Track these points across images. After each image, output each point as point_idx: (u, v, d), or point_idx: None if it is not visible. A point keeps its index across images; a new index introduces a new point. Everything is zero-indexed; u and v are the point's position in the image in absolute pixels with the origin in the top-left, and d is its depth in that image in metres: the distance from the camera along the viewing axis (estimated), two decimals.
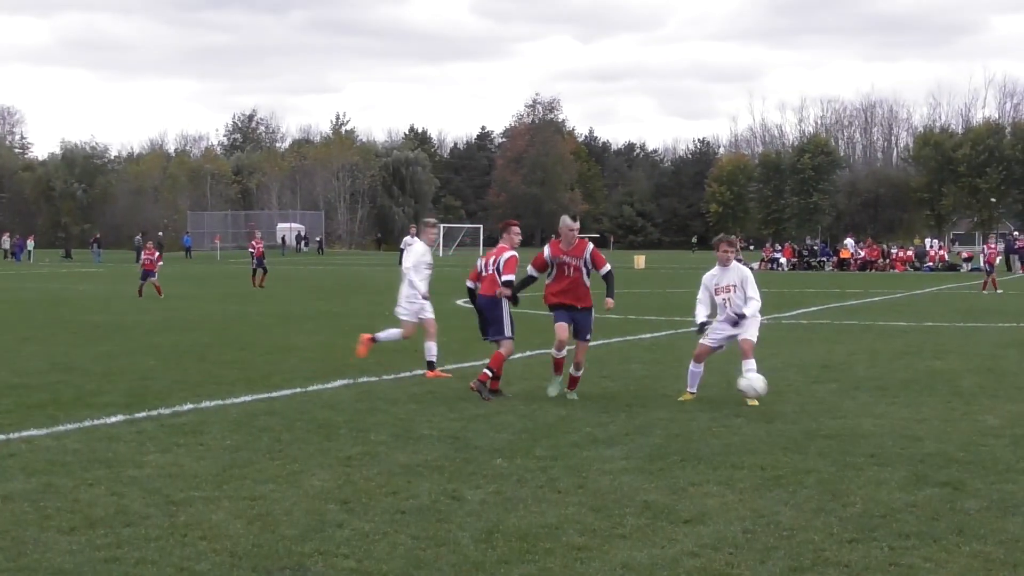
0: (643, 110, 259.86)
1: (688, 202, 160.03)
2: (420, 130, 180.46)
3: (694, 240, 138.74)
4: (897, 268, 73.43)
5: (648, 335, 23.68)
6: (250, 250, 50.99)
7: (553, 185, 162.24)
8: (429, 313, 17.50)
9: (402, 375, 17.10)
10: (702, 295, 14.84)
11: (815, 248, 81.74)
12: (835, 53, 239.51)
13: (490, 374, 14.69)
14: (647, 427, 12.56)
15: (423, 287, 17.47)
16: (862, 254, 76.37)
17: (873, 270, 72.67)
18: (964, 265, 73.58)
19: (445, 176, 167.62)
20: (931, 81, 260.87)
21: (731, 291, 14.60)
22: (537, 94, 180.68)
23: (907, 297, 41.72)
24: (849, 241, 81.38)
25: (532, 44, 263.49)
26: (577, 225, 14.81)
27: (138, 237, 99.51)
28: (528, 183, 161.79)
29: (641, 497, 9.15)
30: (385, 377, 16.78)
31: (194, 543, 7.82)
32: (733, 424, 12.69)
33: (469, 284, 15.72)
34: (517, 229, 15.75)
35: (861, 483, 9.72)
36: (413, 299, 17.48)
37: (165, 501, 9.00)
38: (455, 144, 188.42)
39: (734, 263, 14.78)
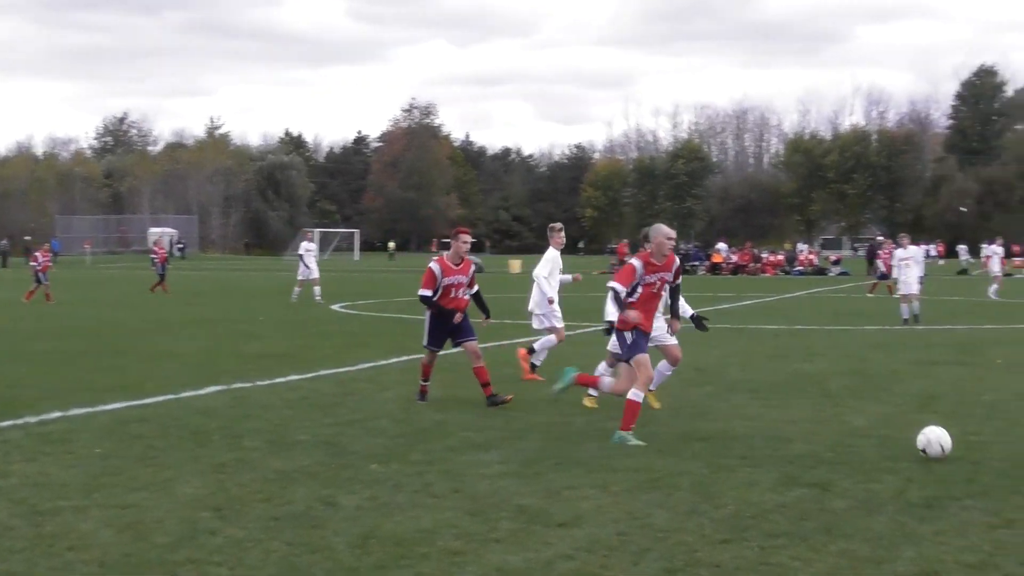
0: (519, 115, 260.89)
1: (564, 207, 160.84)
2: (296, 134, 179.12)
3: (580, 245, 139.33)
4: (768, 272, 74.60)
5: (525, 339, 23.73)
6: (152, 256, 50.17)
7: (429, 190, 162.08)
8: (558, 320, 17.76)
9: (277, 380, 16.94)
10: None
11: (688, 252, 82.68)
12: (709, 60, 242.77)
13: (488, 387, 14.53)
14: (524, 431, 12.60)
15: (552, 292, 17.74)
16: (734, 258, 77.50)
17: (745, 274, 73.73)
18: (832, 269, 75.04)
19: (321, 180, 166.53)
20: (802, 89, 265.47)
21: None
22: (414, 99, 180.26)
23: (778, 301, 42.41)
24: (722, 245, 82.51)
25: (409, 48, 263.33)
26: (674, 234, 12.93)
27: (4, 241, 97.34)
28: (405, 188, 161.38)
29: (517, 501, 9.18)
30: (260, 383, 16.62)
31: (61, 553, 7.67)
32: (609, 428, 12.77)
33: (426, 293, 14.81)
34: (466, 237, 15.19)
35: (733, 484, 9.86)
36: (543, 304, 17.75)
37: (31, 511, 8.81)
38: (331, 148, 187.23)
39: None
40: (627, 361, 12.38)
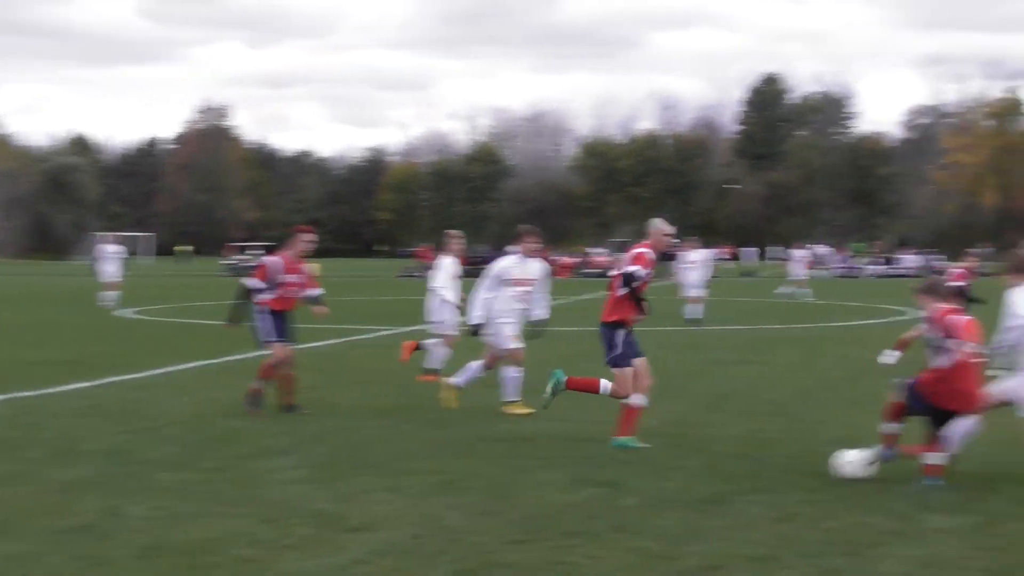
0: (314, 117, 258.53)
1: (360, 210, 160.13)
2: (84, 135, 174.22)
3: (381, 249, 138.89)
4: (562, 275, 75.51)
5: (320, 343, 23.56)
6: None
7: (223, 192, 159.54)
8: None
9: (64, 388, 16.44)
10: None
11: (485, 256, 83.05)
12: (504, 63, 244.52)
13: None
14: (318, 436, 12.50)
15: (454, 299, 17.86)
16: None
17: None
18: None
19: (111, 183, 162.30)
20: (596, 93, 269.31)
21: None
22: (207, 100, 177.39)
23: (573, 303, 42.90)
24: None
25: (203, 49, 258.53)
26: (672, 230, 13.01)
27: None
28: (198, 190, 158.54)
29: (311, 506, 9.10)
30: (47, 391, 16.10)
31: None
32: (404, 431, 12.78)
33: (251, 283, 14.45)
34: (309, 236, 14.92)
35: (527, 485, 9.95)
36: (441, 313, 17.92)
37: None
38: (123, 150, 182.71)
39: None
40: (617, 366, 12.16)
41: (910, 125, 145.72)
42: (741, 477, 10.30)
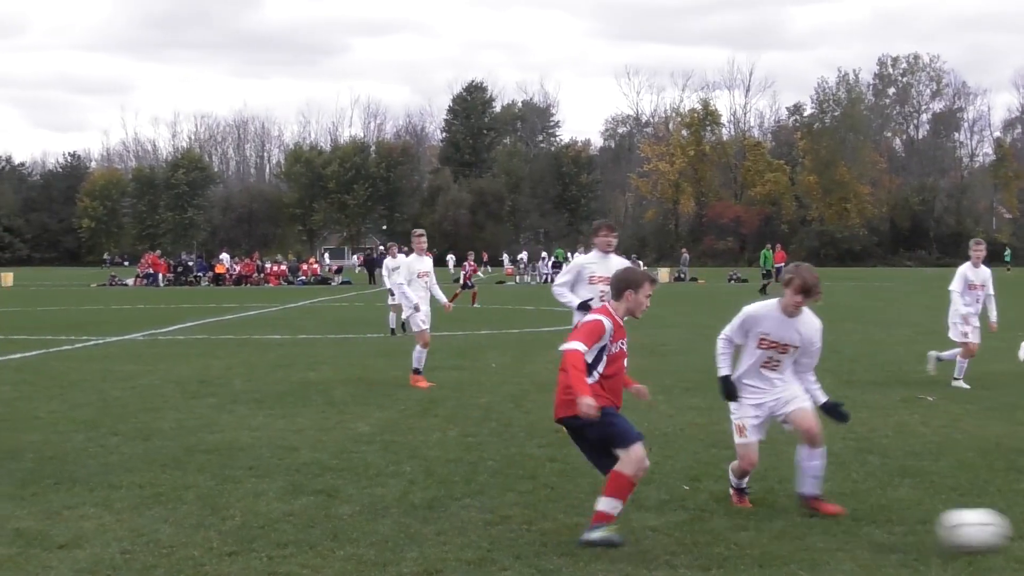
0: (8, 121, 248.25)
1: (59, 217, 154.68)
2: None
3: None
4: (272, 282, 74.75)
5: (17, 355, 22.65)
6: None
7: None
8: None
9: None
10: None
11: (190, 263, 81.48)
12: (207, 68, 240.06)
13: None
14: (18, 451, 12.01)
15: (415, 298, 18.18)
16: (237, 269, 77.15)
17: (248, 284, 73.50)
18: (336, 278, 76.20)
19: None
20: (301, 100, 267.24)
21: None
22: None
23: (282, 311, 42.52)
24: (224, 256, 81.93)
25: None
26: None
27: None
28: None
29: (12, 525, 8.74)
30: None
31: None
32: (110, 443, 12.41)
33: None
34: None
35: (240, 496, 9.81)
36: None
37: None
38: None
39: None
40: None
41: (610, 134, 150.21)
42: (455, 482, 10.41)
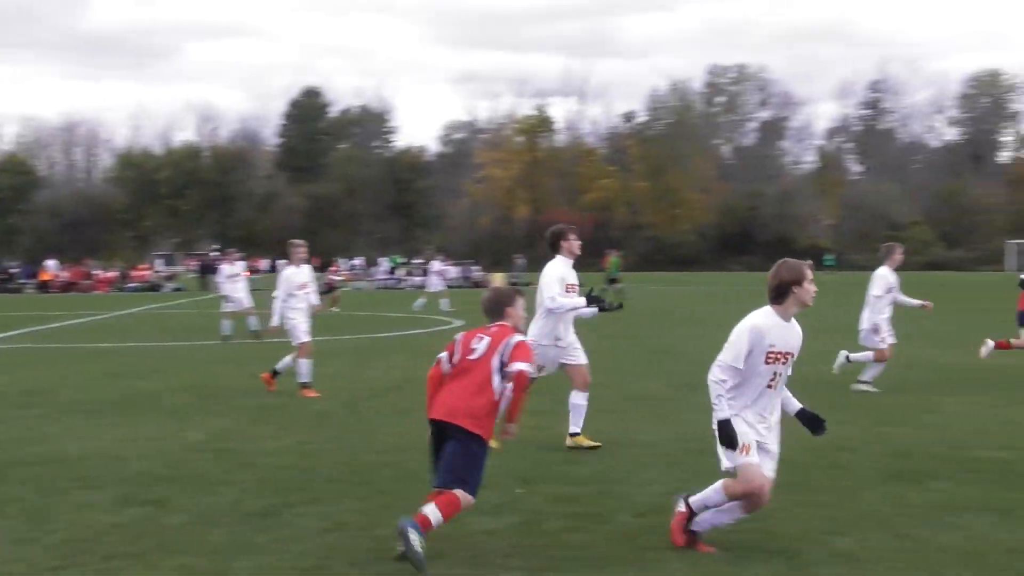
0: None
1: None
2: None
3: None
4: (101, 289, 73.13)
5: None
6: None
7: None
8: None
9: None
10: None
11: (13, 270, 79.19)
12: (33, 70, 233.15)
13: None
14: None
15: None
16: (65, 275, 75.34)
17: (77, 291, 71.81)
18: (167, 285, 74.87)
19: None
20: (132, 103, 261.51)
21: None
22: None
23: (113, 318, 41.65)
24: (51, 262, 79.92)
25: None
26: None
27: None
28: None
29: None
30: None
31: None
32: None
33: None
34: None
35: (66, 508, 9.55)
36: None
37: None
38: None
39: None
40: None
41: (446, 140, 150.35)
42: (290, 489, 10.28)
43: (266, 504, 9.67)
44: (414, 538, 7.64)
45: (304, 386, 17.52)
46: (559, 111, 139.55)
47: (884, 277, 18.00)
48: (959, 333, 28.64)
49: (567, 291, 12.68)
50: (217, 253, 60.56)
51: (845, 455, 11.88)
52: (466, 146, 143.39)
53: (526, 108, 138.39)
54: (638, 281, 78.46)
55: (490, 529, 8.78)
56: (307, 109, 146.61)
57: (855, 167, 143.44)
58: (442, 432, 8.24)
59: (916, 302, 18.37)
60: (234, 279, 30.17)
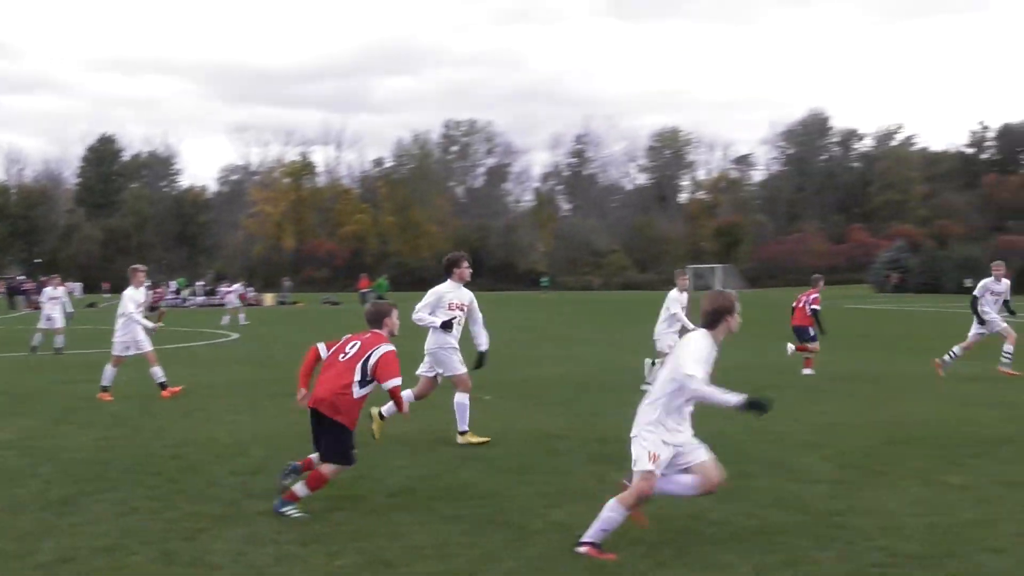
0: None
1: None
2: None
3: None
4: None
5: None
6: None
7: None
8: None
9: None
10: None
11: None
12: None
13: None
14: None
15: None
16: None
17: None
18: None
19: None
20: None
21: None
22: None
23: None
24: None
25: None
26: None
27: None
28: None
29: None
30: None
31: None
32: None
33: None
34: None
35: None
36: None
37: None
38: None
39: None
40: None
41: (224, 180, 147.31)
42: (89, 480, 9.88)
43: (67, 493, 9.27)
44: (287, 509, 8.34)
45: (104, 389, 16.90)
46: (320, 157, 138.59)
47: (676, 299, 18.47)
48: (647, 342, 29.57)
49: (451, 308, 12.35)
50: (23, 278, 57.81)
51: (560, 441, 12.12)
52: (241, 186, 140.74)
53: (292, 154, 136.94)
54: (389, 299, 78.41)
55: (264, 510, 8.62)
56: (103, 153, 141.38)
57: (565, 205, 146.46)
58: (315, 414, 8.55)
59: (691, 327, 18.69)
60: (54, 301, 28.71)
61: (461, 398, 12.22)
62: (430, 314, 12.34)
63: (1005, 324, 19.74)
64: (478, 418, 13.11)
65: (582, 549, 7.27)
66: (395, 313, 9.21)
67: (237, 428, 13.32)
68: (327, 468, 8.48)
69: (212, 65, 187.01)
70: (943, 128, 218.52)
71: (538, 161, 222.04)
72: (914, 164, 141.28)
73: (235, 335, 35.57)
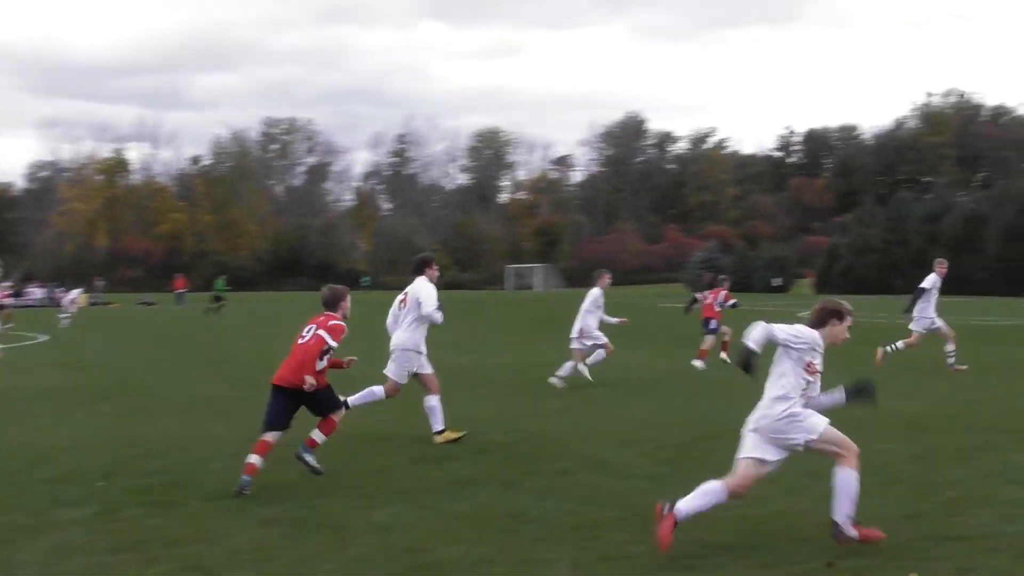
0: None
1: None
2: None
3: None
4: None
5: None
6: None
7: None
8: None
9: None
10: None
11: None
12: None
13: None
14: None
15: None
16: None
17: None
18: None
19: None
20: None
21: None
22: None
23: None
24: None
25: None
26: None
27: None
28: None
29: None
30: None
31: None
32: None
33: None
34: None
35: None
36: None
37: None
38: None
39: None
40: None
41: (32, 177, 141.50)
42: None
43: None
44: (311, 458, 9.72)
45: None
46: (135, 154, 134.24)
47: (596, 296, 18.40)
48: (470, 340, 29.73)
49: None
50: None
51: (381, 442, 12.07)
52: (51, 183, 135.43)
53: (105, 151, 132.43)
54: (206, 301, 76.79)
55: (74, 518, 8.33)
56: None
57: (386, 204, 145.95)
58: (281, 392, 9.59)
59: (615, 320, 18.89)
60: None
61: (432, 400, 12.21)
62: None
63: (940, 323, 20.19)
64: (296, 421, 12.98)
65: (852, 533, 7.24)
66: (348, 297, 10.12)
67: (46, 434, 12.83)
68: (336, 417, 9.90)
69: (19, 57, 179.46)
70: (753, 132, 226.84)
71: (359, 160, 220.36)
72: (726, 166, 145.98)
73: (45, 337, 34.28)
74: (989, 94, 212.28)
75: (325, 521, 8.21)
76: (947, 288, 21.47)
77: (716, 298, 22.22)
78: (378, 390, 12.42)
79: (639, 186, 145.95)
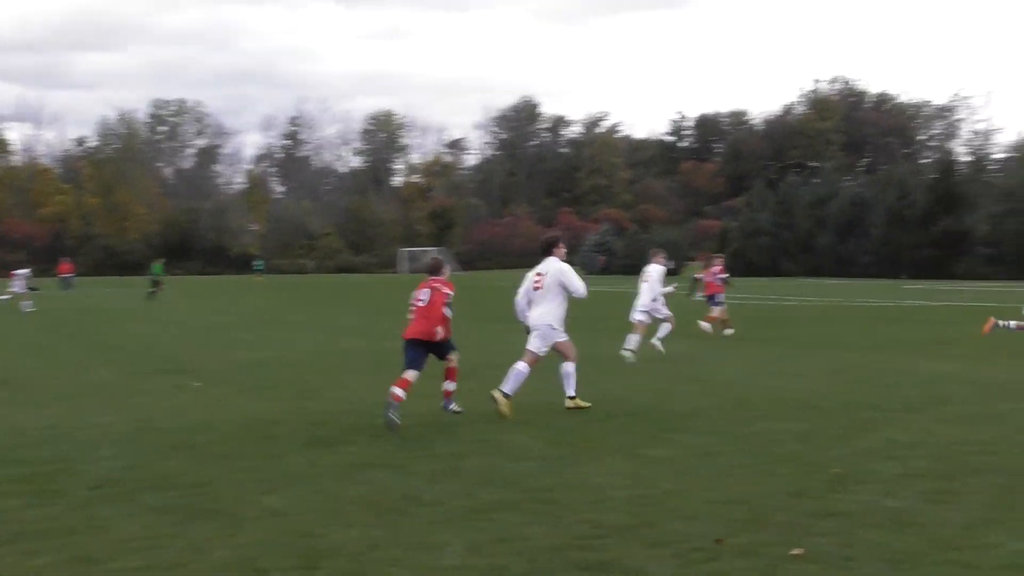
0: None
1: None
2: None
3: None
4: None
5: None
6: None
7: None
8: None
9: None
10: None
11: None
12: None
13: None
14: None
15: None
16: None
17: None
18: None
19: None
20: None
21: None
22: None
23: None
24: None
25: None
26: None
27: None
28: None
29: None
30: None
31: None
32: None
33: None
34: None
35: None
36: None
37: None
38: None
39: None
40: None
41: None
42: None
43: None
44: (453, 406, 12.48)
45: None
46: (15, 135, 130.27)
47: (662, 271, 20.15)
48: (362, 324, 29.60)
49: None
50: None
51: (272, 426, 11.94)
52: None
53: None
54: (93, 285, 75.12)
55: None
56: None
57: (278, 187, 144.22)
58: (417, 343, 12.00)
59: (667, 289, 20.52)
60: None
61: (569, 367, 13.03)
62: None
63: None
64: (187, 405, 12.78)
65: None
66: (448, 266, 12.65)
67: None
68: (453, 358, 12.36)
69: None
70: (645, 117, 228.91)
71: (250, 143, 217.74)
72: (619, 150, 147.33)
73: None
74: (873, 81, 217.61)
75: (217, 507, 8.11)
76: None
77: (714, 274, 25.19)
78: (522, 366, 12.71)
79: (533, 170, 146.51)
